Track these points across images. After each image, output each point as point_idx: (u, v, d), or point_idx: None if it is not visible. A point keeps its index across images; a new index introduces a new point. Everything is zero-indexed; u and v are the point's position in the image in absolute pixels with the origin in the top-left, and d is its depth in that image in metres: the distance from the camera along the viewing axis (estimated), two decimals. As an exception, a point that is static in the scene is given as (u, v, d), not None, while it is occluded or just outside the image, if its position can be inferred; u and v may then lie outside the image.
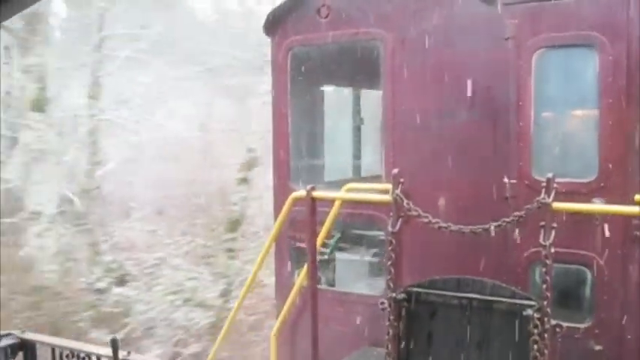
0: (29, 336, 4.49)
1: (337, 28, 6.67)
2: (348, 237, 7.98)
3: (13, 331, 4.56)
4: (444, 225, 5.11)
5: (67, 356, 4.33)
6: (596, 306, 5.67)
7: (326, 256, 7.63)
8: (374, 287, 6.82)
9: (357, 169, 9.87)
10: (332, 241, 7.85)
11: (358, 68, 7.61)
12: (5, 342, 4.47)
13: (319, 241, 6.30)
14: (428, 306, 5.15)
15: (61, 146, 17.91)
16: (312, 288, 5.86)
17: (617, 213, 5.21)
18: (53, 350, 4.35)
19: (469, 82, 6.01)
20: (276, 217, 6.69)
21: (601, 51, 5.48)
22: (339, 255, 7.78)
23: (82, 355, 4.24)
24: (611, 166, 5.47)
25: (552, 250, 4.63)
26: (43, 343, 4.49)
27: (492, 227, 5.00)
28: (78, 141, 18.22)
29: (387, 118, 6.50)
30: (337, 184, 6.96)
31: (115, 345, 3.93)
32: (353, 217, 6.81)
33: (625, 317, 5.48)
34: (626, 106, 5.41)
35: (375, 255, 7.40)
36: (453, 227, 5.10)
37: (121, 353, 3.92)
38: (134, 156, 19.50)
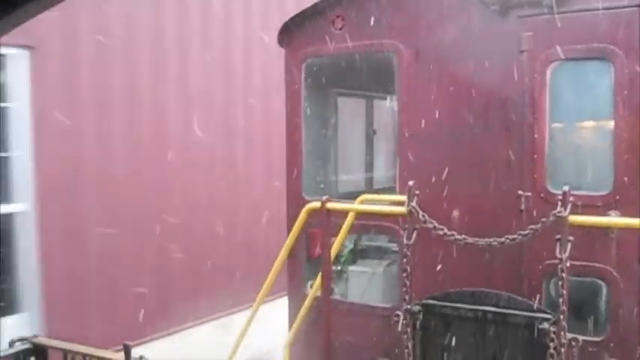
0: (41, 341, 4.49)
1: (351, 40, 6.69)
2: (362, 248, 7.99)
3: (25, 336, 4.56)
4: (459, 237, 5.11)
5: (78, 361, 4.34)
6: (611, 319, 5.64)
7: (339, 267, 7.64)
8: (388, 299, 6.81)
9: (369, 180, 9.89)
10: (345, 252, 7.87)
11: (372, 80, 7.62)
12: (17, 347, 4.48)
13: (333, 251, 6.30)
14: (442, 318, 5.15)
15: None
16: (326, 299, 5.87)
17: (632, 227, 5.19)
18: (65, 355, 4.35)
19: (484, 95, 6.02)
20: (289, 227, 6.69)
21: (616, 64, 5.47)
22: (351, 267, 7.79)
23: None
24: (626, 179, 5.45)
25: (568, 263, 4.62)
26: (55, 349, 4.50)
27: (507, 240, 5.00)
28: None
29: (401, 130, 6.50)
30: (351, 196, 6.97)
31: (127, 350, 3.93)
32: (367, 229, 6.81)
33: None
34: None
35: (388, 266, 7.41)
36: (469, 240, 5.10)
37: (133, 358, 3.92)
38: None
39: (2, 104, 8.20)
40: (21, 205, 8.34)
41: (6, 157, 8.26)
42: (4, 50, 7.95)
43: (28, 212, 8.34)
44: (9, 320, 8.23)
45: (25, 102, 8.31)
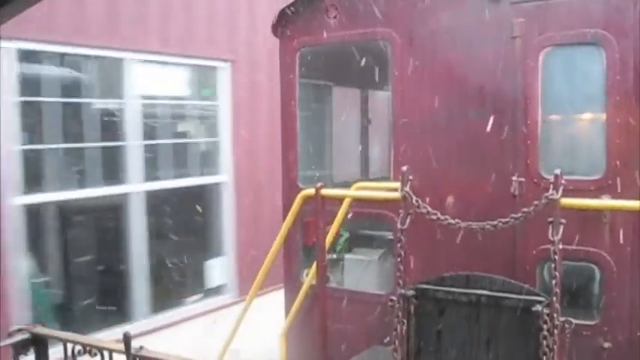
0: (41, 331, 4.48)
1: (345, 28, 6.71)
2: (357, 236, 8.02)
3: (23, 326, 4.54)
4: (452, 222, 5.13)
5: (79, 352, 4.32)
6: (604, 303, 5.67)
7: (334, 255, 7.67)
8: (384, 286, 6.85)
9: (365, 169, 9.91)
10: (341, 240, 7.90)
11: (366, 68, 7.64)
12: (16, 337, 4.45)
13: (329, 240, 6.33)
14: (437, 303, 5.18)
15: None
16: (321, 287, 5.89)
17: (624, 209, 5.22)
18: (65, 345, 4.34)
19: (477, 81, 6.04)
20: (284, 215, 6.72)
21: (608, 49, 5.49)
22: (347, 255, 7.82)
23: (94, 350, 4.22)
24: (618, 163, 5.48)
25: (560, 246, 4.65)
26: (54, 338, 4.48)
27: (500, 223, 5.03)
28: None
29: (395, 118, 6.52)
30: (346, 185, 7.00)
31: (127, 340, 3.93)
32: (362, 216, 6.83)
33: (634, 314, 5.48)
34: (634, 104, 5.42)
35: (384, 254, 7.44)
36: (462, 224, 5.13)
37: (133, 348, 3.93)
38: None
39: (213, 103, 11.47)
40: (224, 177, 11.48)
41: (215, 141, 11.39)
42: (216, 63, 11.31)
43: (228, 182, 11.44)
44: (214, 261, 11.57)
45: (228, 101, 11.41)
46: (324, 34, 6.84)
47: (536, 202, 4.80)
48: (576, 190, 5.18)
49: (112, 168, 9.85)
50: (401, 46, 6.40)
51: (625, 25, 5.43)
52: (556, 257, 4.65)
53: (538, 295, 4.85)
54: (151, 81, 10.40)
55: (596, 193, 5.46)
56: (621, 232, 5.49)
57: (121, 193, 9.87)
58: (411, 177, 5.19)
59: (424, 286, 5.21)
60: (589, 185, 5.55)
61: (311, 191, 5.85)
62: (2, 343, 4.36)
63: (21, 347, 4.42)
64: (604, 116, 5.63)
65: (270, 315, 7.68)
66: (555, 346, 4.69)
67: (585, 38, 5.60)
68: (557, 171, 4.70)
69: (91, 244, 10.02)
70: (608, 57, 5.51)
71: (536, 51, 5.77)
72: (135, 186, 9.95)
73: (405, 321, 5.21)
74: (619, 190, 5.43)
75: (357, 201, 6.45)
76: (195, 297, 11.34)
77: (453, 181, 6.17)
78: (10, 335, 4.40)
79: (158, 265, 10.38)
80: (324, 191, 5.73)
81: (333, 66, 7.83)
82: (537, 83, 5.78)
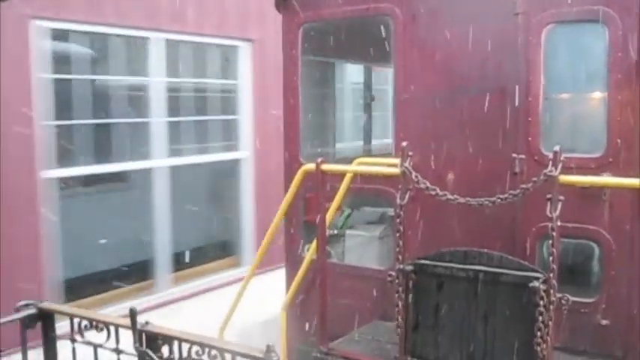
0: (47, 306, 4.51)
1: (348, 4, 6.68)
2: (359, 213, 8.04)
3: (30, 301, 4.56)
4: (451, 197, 5.14)
5: (85, 326, 4.35)
6: (603, 281, 5.69)
7: (335, 231, 7.70)
8: (385, 262, 6.88)
9: (367, 146, 9.91)
10: (342, 217, 7.92)
11: (369, 44, 7.62)
12: (23, 312, 4.48)
13: (329, 215, 6.35)
14: (435, 278, 5.20)
15: None
16: (322, 262, 5.92)
17: (623, 186, 5.22)
18: (72, 320, 4.37)
19: (479, 58, 6.02)
20: (285, 191, 6.74)
21: (610, 26, 5.47)
22: (348, 230, 7.85)
23: (100, 325, 4.26)
24: (619, 141, 5.47)
25: (558, 222, 4.66)
26: (61, 313, 4.51)
27: (498, 200, 5.04)
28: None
29: (397, 94, 6.52)
30: (348, 161, 7.01)
31: (133, 315, 3.96)
32: (362, 192, 6.85)
33: (632, 292, 5.50)
34: (636, 82, 5.41)
35: (384, 230, 7.46)
36: (461, 199, 5.14)
37: (139, 323, 3.95)
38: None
39: (232, 81, 11.57)
40: (245, 153, 11.60)
41: (234, 119, 11.56)
42: (237, 42, 11.43)
43: (249, 158, 11.58)
44: (234, 234, 11.69)
45: (248, 80, 11.54)
46: (327, 10, 6.83)
47: (534, 179, 4.80)
48: (577, 167, 5.17)
49: (138, 143, 10.17)
50: (403, 22, 6.38)
51: (628, 2, 5.40)
52: (554, 234, 4.66)
53: (536, 271, 4.86)
54: (174, 59, 10.61)
55: (597, 170, 5.46)
56: (621, 209, 5.49)
57: (145, 168, 10.14)
58: (411, 153, 5.19)
59: (423, 261, 5.23)
60: (590, 163, 5.54)
61: (312, 166, 5.85)
62: (10, 318, 4.39)
63: (28, 322, 4.45)
64: (606, 94, 5.62)
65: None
66: (551, 322, 4.71)
67: (588, 15, 5.57)
68: (557, 148, 4.69)
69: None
70: (611, 34, 5.48)
71: (538, 28, 5.74)
72: (159, 161, 10.18)
73: (404, 296, 5.24)
74: (620, 168, 5.42)
75: (358, 177, 6.46)
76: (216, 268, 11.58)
77: (454, 158, 6.17)
78: (17, 310, 4.43)
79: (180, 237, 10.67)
80: (325, 166, 5.74)
81: (336, 42, 7.80)
82: (539, 60, 5.76)
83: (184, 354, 3.82)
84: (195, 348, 3.74)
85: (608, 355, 5.58)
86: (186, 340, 3.80)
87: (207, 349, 3.71)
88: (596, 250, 5.78)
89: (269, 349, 3.40)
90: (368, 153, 9.90)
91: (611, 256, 5.60)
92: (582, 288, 5.76)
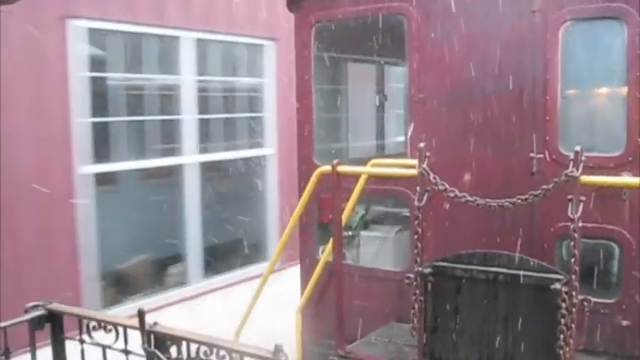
0: (56, 307, 4.49)
1: (361, 3, 6.63)
2: (374, 214, 7.98)
3: (39, 302, 4.55)
4: (470, 199, 5.06)
5: (93, 327, 4.34)
6: (623, 281, 5.63)
7: (350, 233, 7.64)
8: (401, 263, 6.82)
9: (381, 146, 9.85)
10: (357, 218, 7.87)
11: (382, 43, 7.56)
12: (32, 314, 4.47)
13: (345, 216, 6.30)
14: (454, 280, 5.14)
15: None
16: (338, 264, 5.86)
17: None
18: (80, 321, 4.36)
19: (495, 56, 5.96)
20: (300, 192, 6.70)
21: (629, 23, 5.39)
22: (363, 232, 7.80)
23: (108, 326, 4.24)
24: (639, 140, 5.40)
25: (580, 224, 4.59)
26: (70, 314, 4.50)
27: (519, 200, 4.96)
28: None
29: (412, 94, 6.46)
30: (361, 162, 6.95)
31: (141, 316, 3.93)
32: (378, 193, 6.80)
33: None
34: None
35: (400, 231, 7.41)
36: (480, 201, 5.07)
37: (147, 324, 3.93)
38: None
39: (259, 79, 11.80)
40: (270, 149, 11.84)
41: (259, 117, 11.78)
42: (261, 41, 11.65)
43: (274, 154, 11.80)
44: (260, 229, 11.97)
45: (272, 77, 11.76)
46: (340, 9, 6.77)
47: (555, 180, 4.72)
48: (596, 167, 5.10)
49: (169, 140, 10.48)
50: (417, 21, 6.32)
51: None
52: (575, 235, 4.58)
53: (556, 272, 4.79)
54: (203, 58, 10.88)
55: (616, 170, 5.39)
56: None
57: (177, 164, 10.40)
58: (428, 154, 5.13)
59: (441, 263, 5.16)
60: (609, 162, 5.47)
61: (327, 168, 5.80)
62: (19, 320, 4.38)
63: (37, 323, 4.44)
64: (624, 92, 5.54)
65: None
66: (573, 325, 4.64)
67: (606, 12, 5.50)
68: (578, 147, 4.62)
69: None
70: (630, 31, 5.40)
71: (556, 25, 5.67)
72: (190, 157, 10.39)
73: (422, 298, 5.18)
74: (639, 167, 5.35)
75: (374, 178, 6.40)
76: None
77: (471, 158, 6.11)
78: (26, 311, 4.42)
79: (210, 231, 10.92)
80: (341, 168, 5.68)
81: (349, 41, 7.75)
82: (557, 58, 5.69)
83: (192, 354, 3.80)
84: (203, 348, 3.73)
85: (629, 356, 5.51)
86: (194, 341, 3.79)
87: (215, 350, 3.70)
88: (617, 250, 5.71)
89: (277, 349, 3.36)
90: (381, 152, 9.83)
91: (631, 256, 5.53)
92: (603, 289, 5.69)
